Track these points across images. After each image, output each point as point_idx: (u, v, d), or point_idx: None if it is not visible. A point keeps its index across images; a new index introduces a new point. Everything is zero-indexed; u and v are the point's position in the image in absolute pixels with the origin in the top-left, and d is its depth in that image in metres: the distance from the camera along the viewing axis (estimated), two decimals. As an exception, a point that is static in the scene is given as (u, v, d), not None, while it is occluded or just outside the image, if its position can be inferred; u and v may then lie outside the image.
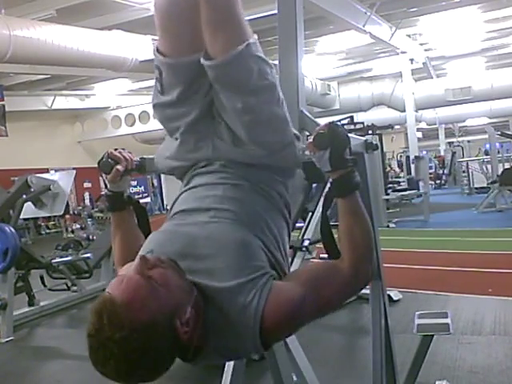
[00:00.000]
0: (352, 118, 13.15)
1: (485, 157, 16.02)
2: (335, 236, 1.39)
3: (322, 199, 1.43)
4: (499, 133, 14.05)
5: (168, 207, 19.56)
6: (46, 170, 11.42)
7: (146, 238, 1.62)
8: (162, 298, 1.10)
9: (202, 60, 1.35)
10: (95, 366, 1.07)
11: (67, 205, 10.01)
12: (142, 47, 9.19)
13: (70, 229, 13.98)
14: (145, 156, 1.76)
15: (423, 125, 22.16)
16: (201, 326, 1.17)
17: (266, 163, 1.43)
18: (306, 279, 1.25)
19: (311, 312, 1.24)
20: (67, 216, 13.94)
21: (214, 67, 1.34)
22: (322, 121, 1.62)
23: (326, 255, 1.41)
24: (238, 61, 1.31)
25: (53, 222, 15.86)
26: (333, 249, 1.37)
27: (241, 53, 1.31)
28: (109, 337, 1.03)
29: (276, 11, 2.17)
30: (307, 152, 1.42)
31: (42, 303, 5.60)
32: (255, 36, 1.37)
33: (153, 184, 20.21)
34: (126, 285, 1.10)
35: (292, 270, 1.51)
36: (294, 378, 2.23)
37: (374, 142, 2.04)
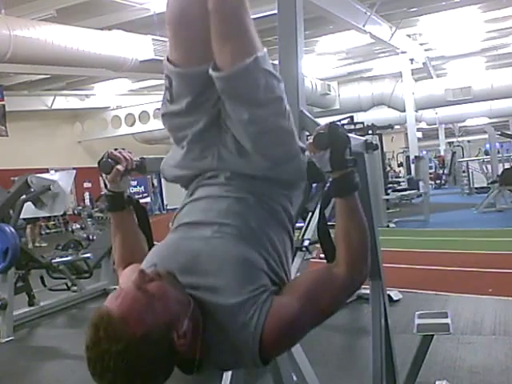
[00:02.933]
0: (352, 117, 13.16)
1: (485, 157, 16.02)
2: (332, 235, 1.39)
3: (321, 199, 1.43)
4: (499, 133, 14.06)
5: (168, 207, 19.62)
6: (46, 170, 11.41)
7: (146, 238, 1.62)
8: (158, 312, 1.12)
9: (210, 71, 1.36)
10: (93, 378, 1.09)
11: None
12: (142, 47, 9.20)
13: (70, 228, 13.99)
14: (145, 156, 1.76)
15: (423, 125, 22.18)
16: (200, 340, 1.18)
17: (270, 176, 1.43)
18: (303, 292, 1.26)
19: (310, 323, 1.26)
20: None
21: (222, 79, 1.35)
22: (322, 121, 1.63)
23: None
24: (245, 74, 1.33)
25: (53, 222, 15.87)
26: (329, 250, 1.38)
27: (248, 66, 1.32)
28: (106, 350, 1.05)
29: (276, 11, 2.18)
30: (307, 152, 1.42)
31: (42, 303, 5.59)
32: (264, 49, 1.38)
33: (153, 184, 20.20)
34: (123, 298, 1.12)
35: (292, 269, 1.51)
36: (294, 378, 2.23)
37: (374, 142, 2.05)
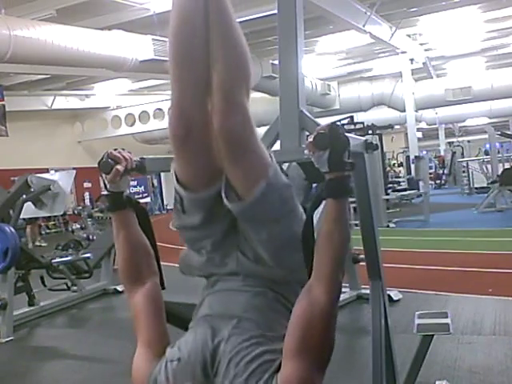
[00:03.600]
0: (352, 117, 13.15)
1: (485, 157, 16.02)
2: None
3: (312, 200, 1.44)
4: (499, 133, 14.06)
5: (168, 207, 19.61)
6: (46, 170, 11.40)
7: (148, 238, 1.62)
8: None
9: (226, 201, 1.39)
10: None
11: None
12: (142, 47, 9.19)
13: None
14: (145, 156, 1.75)
15: (423, 125, 22.16)
16: None
17: (289, 280, 1.50)
18: (296, 347, 1.28)
19: (320, 366, 1.32)
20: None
21: (238, 208, 1.39)
22: (322, 121, 1.62)
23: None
24: (260, 201, 1.36)
25: (53, 222, 15.87)
26: (309, 260, 1.38)
27: (263, 193, 1.35)
28: None
29: (276, 11, 2.18)
30: (306, 151, 1.41)
31: (42, 303, 5.59)
32: (274, 161, 1.40)
33: (153, 184, 20.20)
34: None
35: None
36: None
37: (374, 142, 2.05)
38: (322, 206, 1.39)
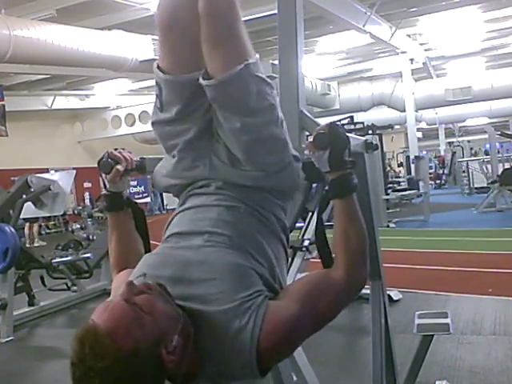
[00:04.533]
0: (352, 117, 13.15)
1: (485, 157, 16.02)
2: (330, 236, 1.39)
3: (319, 201, 1.42)
4: (499, 133, 14.05)
5: (168, 207, 19.61)
6: (46, 170, 11.40)
7: (142, 240, 1.61)
8: (146, 327, 1.07)
9: (200, 79, 1.34)
10: None
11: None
12: (142, 47, 9.21)
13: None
14: (145, 156, 1.75)
15: (423, 125, 22.17)
16: (191, 354, 1.14)
17: (263, 185, 1.41)
18: (301, 295, 1.23)
19: (309, 328, 1.22)
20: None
21: (212, 87, 1.32)
22: (322, 121, 1.62)
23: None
24: (236, 81, 1.30)
25: (53, 222, 15.86)
26: (326, 256, 1.37)
27: (239, 73, 1.29)
28: (91, 366, 1.00)
29: (276, 11, 2.17)
30: (306, 152, 1.41)
31: (42, 303, 5.59)
32: (257, 55, 1.36)
33: (153, 184, 20.19)
34: (110, 312, 1.07)
35: (292, 270, 1.51)
36: (294, 378, 2.23)
37: (374, 142, 2.05)
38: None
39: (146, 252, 1.55)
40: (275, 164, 1.40)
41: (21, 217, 6.17)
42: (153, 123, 1.49)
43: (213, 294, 1.19)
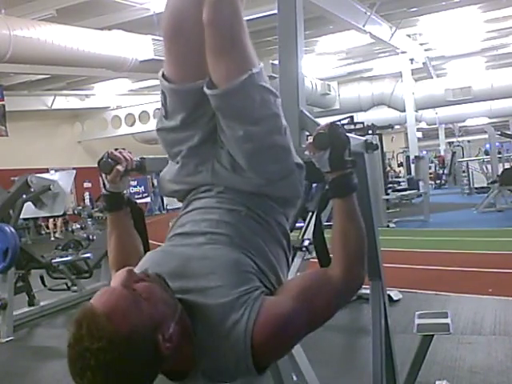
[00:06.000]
0: (352, 117, 13.14)
1: (485, 157, 16.02)
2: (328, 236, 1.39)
3: (318, 201, 1.43)
4: (499, 133, 14.05)
5: (168, 207, 19.61)
6: (46, 170, 11.40)
7: (142, 240, 1.61)
8: (144, 311, 1.08)
9: (205, 88, 1.35)
10: (73, 378, 1.04)
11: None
12: (142, 47, 9.20)
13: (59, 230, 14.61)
14: (145, 156, 1.75)
15: (423, 125, 22.17)
16: (187, 345, 1.15)
17: (265, 192, 1.42)
18: (297, 292, 1.23)
19: (305, 325, 1.22)
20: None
21: (216, 96, 1.34)
22: (322, 121, 1.62)
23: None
24: (240, 91, 1.32)
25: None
26: (323, 254, 1.37)
27: (243, 83, 1.31)
28: (87, 347, 1.01)
29: (276, 11, 2.17)
30: (307, 152, 1.41)
31: (42, 303, 5.59)
32: (261, 64, 1.37)
33: (153, 184, 20.18)
34: (109, 295, 1.09)
35: (292, 270, 1.51)
36: (294, 378, 2.23)
37: (374, 142, 2.05)
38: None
39: (145, 251, 1.56)
40: (278, 172, 1.41)
41: (21, 217, 6.18)
42: (158, 130, 1.52)
43: (211, 288, 1.20)
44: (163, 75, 1.44)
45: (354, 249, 1.30)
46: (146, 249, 1.61)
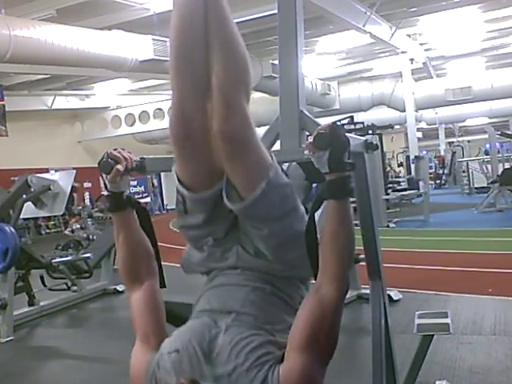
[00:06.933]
0: (352, 117, 13.14)
1: (485, 157, 16.02)
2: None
3: (313, 200, 1.44)
4: (499, 133, 14.05)
5: (168, 207, 19.61)
6: (46, 170, 11.40)
7: (149, 237, 1.62)
8: None
9: (225, 201, 1.40)
10: None
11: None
12: (142, 47, 9.19)
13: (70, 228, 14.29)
14: (145, 156, 1.75)
15: (423, 125, 22.16)
16: None
17: (288, 275, 1.50)
18: (302, 341, 1.28)
19: (323, 361, 1.31)
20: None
21: (238, 210, 1.41)
22: (322, 121, 1.62)
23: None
24: (261, 200, 1.37)
25: (53, 222, 15.86)
26: (313, 255, 1.39)
27: (263, 192, 1.36)
28: None
29: (276, 11, 2.17)
30: (306, 151, 1.41)
31: (41, 303, 5.59)
32: (274, 161, 1.41)
33: (153, 184, 20.20)
34: None
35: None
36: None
37: (374, 142, 2.05)
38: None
39: (155, 251, 1.60)
40: (299, 257, 1.45)
41: (21, 217, 6.18)
42: (181, 227, 1.57)
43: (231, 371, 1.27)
44: (178, 179, 1.47)
45: (342, 253, 1.33)
46: (156, 247, 1.63)
